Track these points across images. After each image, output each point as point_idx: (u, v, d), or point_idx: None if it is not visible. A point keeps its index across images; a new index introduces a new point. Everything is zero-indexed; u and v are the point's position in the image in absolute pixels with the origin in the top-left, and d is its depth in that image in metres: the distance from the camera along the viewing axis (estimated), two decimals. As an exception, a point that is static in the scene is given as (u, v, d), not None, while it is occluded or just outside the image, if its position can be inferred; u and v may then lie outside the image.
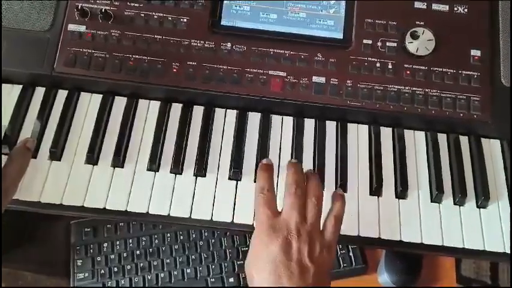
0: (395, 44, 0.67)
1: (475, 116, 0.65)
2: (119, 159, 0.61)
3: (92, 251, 0.70)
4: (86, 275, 0.69)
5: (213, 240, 0.72)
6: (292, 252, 0.50)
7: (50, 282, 0.70)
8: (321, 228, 0.54)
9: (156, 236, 0.71)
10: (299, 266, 0.49)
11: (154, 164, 0.61)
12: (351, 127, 0.67)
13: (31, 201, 0.59)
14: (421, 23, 0.67)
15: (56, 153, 0.61)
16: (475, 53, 0.67)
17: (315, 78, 0.65)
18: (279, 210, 0.54)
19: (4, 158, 0.59)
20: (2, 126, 0.62)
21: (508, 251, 0.60)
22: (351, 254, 0.72)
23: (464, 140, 0.67)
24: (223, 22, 0.67)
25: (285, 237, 0.50)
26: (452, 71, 0.66)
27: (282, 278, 0.49)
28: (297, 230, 0.51)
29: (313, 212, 0.53)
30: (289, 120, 0.67)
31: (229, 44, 0.66)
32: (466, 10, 0.68)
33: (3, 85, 0.65)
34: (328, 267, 0.52)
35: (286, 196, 0.53)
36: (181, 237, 0.72)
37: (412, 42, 0.66)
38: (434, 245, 0.60)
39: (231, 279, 0.69)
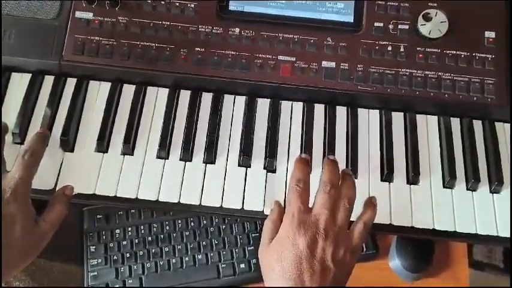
0: (407, 27, 0.65)
1: (489, 100, 0.64)
2: (128, 147, 0.61)
3: (104, 237, 0.71)
4: (99, 260, 0.70)
5: (223, 227, 0.72)
6: (316, 251, 0.50)
7: (63, 269, 0.71)
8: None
9: (167, 223, 0.72)
10: (321, 265, 0.50)
11: (163, 152, 0.61)
12: (362, 112, 0.66)
13: (44, 189, 0.59)
14: (434, 4, 0.66)
15: (67, 142, 0.61)
16: (489, 35, 0.65)
17: (324, 63, 0.64)
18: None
19: (9, 147, 0.60)
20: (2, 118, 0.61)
21: None
22: (361, 239, 0.72)
23: (477, 124, 0.66)
24: (231, 7, 0.66)
25: (313, 234, 0.51)
26: (465, 53, 0.65)
27: (304, 273, 0.49)
28: (325, 229, 0.51)
29: (344, 214, 0.53)
30: (299, 106, 0.66)
31: (237, 30, 0.65)
32: (480, -9, 0.66)
33: (13, 74, 0.65)
34: (348, 271, 0.53)
35: (320, 193, 0.53)
36: (192, 224, 0.72)
37: (424, 25, 0.65)
38: (447, 230, 0.59)
39: (242, 265, 0.70)
